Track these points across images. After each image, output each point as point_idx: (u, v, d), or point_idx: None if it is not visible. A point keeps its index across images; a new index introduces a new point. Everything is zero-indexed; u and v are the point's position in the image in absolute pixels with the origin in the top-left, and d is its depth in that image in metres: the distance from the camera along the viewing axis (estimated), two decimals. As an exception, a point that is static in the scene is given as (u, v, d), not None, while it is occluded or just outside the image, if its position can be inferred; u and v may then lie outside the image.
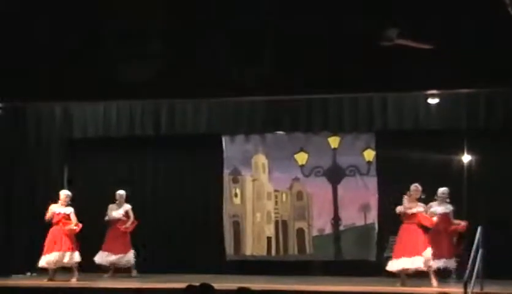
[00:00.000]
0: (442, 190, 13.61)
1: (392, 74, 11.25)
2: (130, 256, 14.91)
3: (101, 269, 14.95)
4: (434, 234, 13.39)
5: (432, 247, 13.18)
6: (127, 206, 15.03)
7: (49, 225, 14.50)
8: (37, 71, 12.12)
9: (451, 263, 13.35)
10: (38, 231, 15.29)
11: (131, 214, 15.00)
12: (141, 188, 15.73)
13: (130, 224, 14.93)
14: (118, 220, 14.94)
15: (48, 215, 14.34)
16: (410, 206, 13.27)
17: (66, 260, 14.24)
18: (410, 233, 13.25)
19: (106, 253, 14.87)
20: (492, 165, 14.46)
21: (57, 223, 14.36)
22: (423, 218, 13.27)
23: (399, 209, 13.31)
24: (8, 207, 15.31)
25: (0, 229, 14.71)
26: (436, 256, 13.18)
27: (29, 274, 15.23)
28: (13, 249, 15.22)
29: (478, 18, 10.80)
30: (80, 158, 16.32)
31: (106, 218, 14.99)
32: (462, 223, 13.43)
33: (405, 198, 13.32)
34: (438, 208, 13.51)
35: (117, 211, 14.99)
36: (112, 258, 14.84)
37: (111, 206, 15.06)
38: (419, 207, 13.30)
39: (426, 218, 13.29)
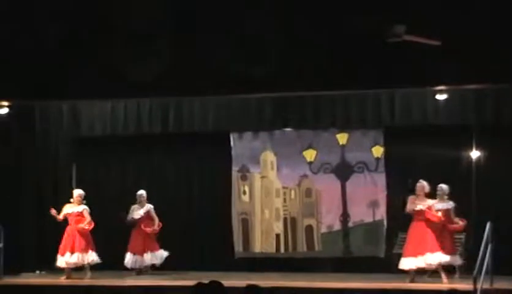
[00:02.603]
0: (440, 186, 13.62)
1: (400, 70, 11.23)
2: (161, 253, 14.92)
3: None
4: (438, 230, 13.39)
5: (437, 243, 13.20)
6: (149, 206, 15.05)
7: (58, 223, 14.56)
8: (45, 69, 12.13)
9: (455, 259, 13.37)
10: (46, 229, 15.33)
11: (153, 214, 15.01)
12: (149, 186, 15.71)
13: (157, 226, 14.95)
14: (140, 220, 14.95)
15: (61, 215, 14.40)
16: (417, 203, 13.28)
17: (82, 261, 14.28)
18: (419, 231, 13.24)
19: (133, 254, 14.89)
20: (501, 160, 14.43)
21: (71, 222, 14.39)
22: (430, 215, 13.25)
23: (406, 210, 13.35)
24: (16, 206, 15.33)
25: (9, 227, 14.71)
26: (442, 252, 13.21)
27: (38, 272, 15.25)
28: (22, 247, 15.24)
29: (486, 14, 10.77)
30: (88, 157, 16.32)
31: (129, 218, 15.01)
32: (460, 223, 13.46)
33: (410, 198, 13.34)
34: (439, 205, 13.52)
35: (139, 212, 15.00)
36: (141, 258, 14.85)
37: (133, 206, 15.09)
38: (423, 203, 13.28)
39: (433, 214, 13.26)
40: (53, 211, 14.36)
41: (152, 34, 11.61)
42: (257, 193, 15.77)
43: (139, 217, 14.97)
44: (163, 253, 14.92)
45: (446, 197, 13.54)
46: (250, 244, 15.73)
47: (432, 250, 13.09)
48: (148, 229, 14.88)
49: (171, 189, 16.14)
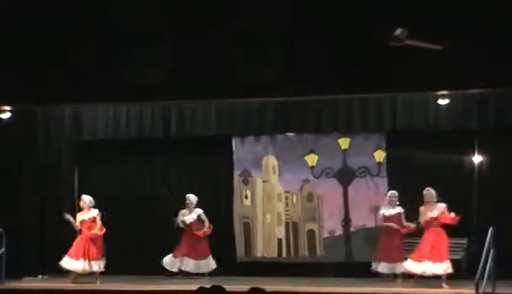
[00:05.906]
0: (390, 193, 14.15)
1: (402, 74, 11.20)
2: (210, 261, 14.94)
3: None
4: (387, 236, 13.84)
5: (383, 249, 13.74)
6: (199, 211, 15.05)
7: (60, 227, 14.59)
8: (47, 73, 12.12)
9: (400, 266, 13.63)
10: (49, 233, 15.33)
11: (204, 218, 15.00)
12: (151, 190, 15.71)
13: (207, 228, 14.95)
14: (191, 225, 14.96)
15: (76, 224, 14.38)
16: (427, 212, 13.30)
17: (91, 268, 14.23)
18: (435, 237, 13.16)
19: (181, 258, 14.87)
20: (503, 164, 14.42)
21: (83, 229, 14.33)
22: (443, 218, 13.16)
23: (421, 224, 13.40)
24: (18, 210, 15.32)
25: (11, 231, 14.71)
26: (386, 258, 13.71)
27: (40, 276, 15.24)
28: (24, 252, 15.23)
29: (489, 17, 10.76)
30: (90, 161, 16.33)
31: (178, 224, 15.00)
32: (411, 226, 13.76)
33: (421, 209, 13.38)
34: (386, 211, 13.89)
35: (189, 216, 15.00)
36: (191, 263, 14.84)
37: (182, 211, 15.08)
38: (434, 210, 13.24)
39: (446, 217, 13.17)
40: (70, 218, 14.38)
41: (154, 38, 11.60)
42: (259, 197, 15.78)
43: (191, 221, 14.96)
44: (210, 262, 14.92)
45: (397, 203, 14.05)
46: (252, 248, 15.73)
47: (444, 259, 13.08)
48: (200, 232, 14.86)
49: (173, 193, 16.11)
